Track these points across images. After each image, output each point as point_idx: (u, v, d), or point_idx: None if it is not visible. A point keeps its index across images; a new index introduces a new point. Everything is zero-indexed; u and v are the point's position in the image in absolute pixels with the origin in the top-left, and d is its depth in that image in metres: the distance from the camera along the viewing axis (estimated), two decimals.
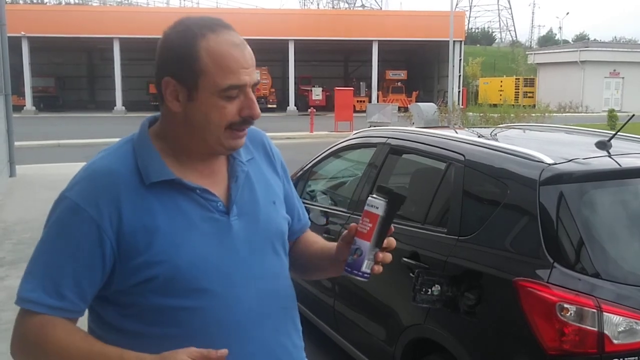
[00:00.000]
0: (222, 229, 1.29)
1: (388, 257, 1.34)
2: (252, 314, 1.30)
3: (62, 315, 1.23)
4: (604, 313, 2.15)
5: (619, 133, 2.98)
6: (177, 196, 1.27)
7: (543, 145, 3.06)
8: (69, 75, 41.93)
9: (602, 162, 2.67)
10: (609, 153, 2.76)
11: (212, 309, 1.26)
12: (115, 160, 1.27)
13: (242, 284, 1.29)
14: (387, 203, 1.28)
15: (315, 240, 1.58)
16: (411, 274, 2.73)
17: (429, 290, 2.60)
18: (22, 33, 31.22)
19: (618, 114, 22.73)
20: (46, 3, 65.97)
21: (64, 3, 66.77)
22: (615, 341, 2.16)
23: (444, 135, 3.32)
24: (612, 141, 2.84)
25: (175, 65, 1.25)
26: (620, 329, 2.17)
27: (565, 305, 2.19)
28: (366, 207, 1.30)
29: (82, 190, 1.24)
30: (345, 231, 1.37)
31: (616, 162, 2.70)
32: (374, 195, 1.30)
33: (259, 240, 1.35)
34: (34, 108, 34.09)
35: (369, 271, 1.30)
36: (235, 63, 1.23)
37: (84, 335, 1.25)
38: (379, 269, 1.31)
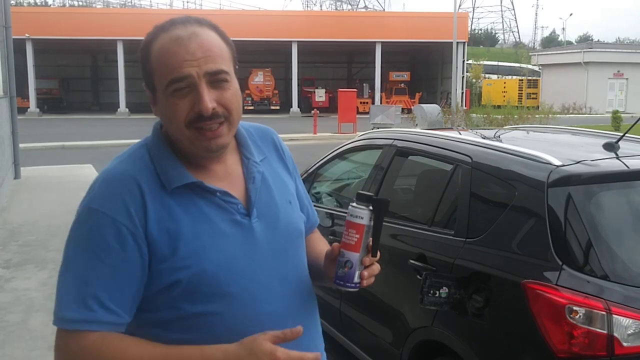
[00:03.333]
0: (244, 231, 1.27)
1: (376, 268, 1.31)
2: (276, 318, 1.28)
3: (112, 329, 1.19)
4: (614, 315, 2.14)
5: (626, 135, 2.98)
6: (198, 200, 1.25)
7: (550, 147, 3.05)
8: (73, 77, 42.02)
9: (610, 163, 2.66)
10: (616, 155, 2.75)
11: (237, 313, 1.24)
12: (132, 165, 1.25)
13: (267, 287, 1.27)
14: (373, 211, 1.25)
15: (317, 243, 1.54)
16: (418, 276, 2.73)
17: (437, 292, 2.59)
18: (27, 35, 31.30)
19: (622, 115, 22.67)
20: (50, 5, 66.15)
21: (68, 5, 66.96)
22: (624, 344, 2.15)
23: (450, 137, 3.31)
24: (620, 143, 2.83)
25: (142, 69, 1.27)
26: (629, 332, 2.15)
27: (575, 308, 2.18)
28: (349, 218, 1.26)
29: (106, 198, 1.20)
30: (329, 249, 1.34)
31: (624, 163, 2.69)
32: (355, 205, 1.26)
33: (280, 242, 1.32)
34: (37, 110, 34.14)
35: (359, 280, 1.29)
36: (174, 56, 1.20)
37: (148, 342, 1.20)
38: (369, 274, 1.29)
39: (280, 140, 1.49)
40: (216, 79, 1.22)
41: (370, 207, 1.25)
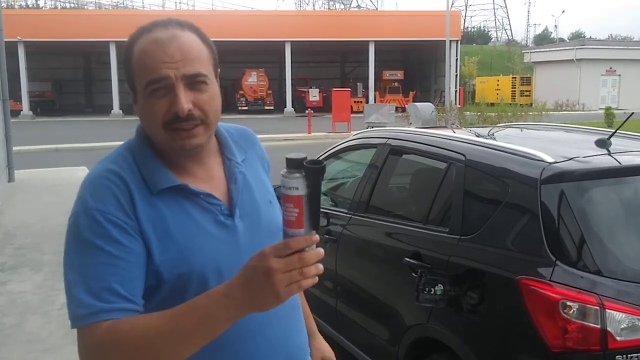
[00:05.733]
0: (228, 232, 1.30)
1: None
2: (264, 314, 1.26)
3: (131, 315, 1.17)
4: (607, 310, 2.17)
5: (618, 131, 3.01)
6: (184, 202, 1.27)
7: (543, 144, 3.07)
8: (66, 79, 41.87)
9: (602, 160, 2.68)
10: (608, 151, 2.78)
11: None
12: (118, 167, 1.26)
13: None
14: (305, 178, 1.07)
15: None
16: (414, 274, 2.75)
17: (432, 289, 2.61)
18: (19, 38, 31.20)
19: (615, 111, 22.77)
20: (42, 7, 65.89)
21: (60, 7, 66.71)
22: (618, 338, 2.17)
23: (444, 135, 3.33)
24: (612, 139, 2.86)
25: (124, 70, 1.29)
26: (622, 326, 2.18)
27: (568, 303, 2.20)
28: (283, 190, 1.09)
29: (98, 196, 1.21)
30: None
31: (616, 160, 2.71)
32: (285, 174, 1.08)
33: (262, 240, 1.30)
34: (31, 112, 34.04)
35: None
36: (153, 58, 1.22)
37: (153, 313, 1.17)
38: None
39: (258, 140, 1.52)
40: (194, 82, 1.24)
41: (304, 174, 1.07)
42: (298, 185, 1.07)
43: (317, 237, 1.10)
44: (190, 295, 1.20)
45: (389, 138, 3.64)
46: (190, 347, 1.14)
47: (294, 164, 1.07)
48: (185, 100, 1.22)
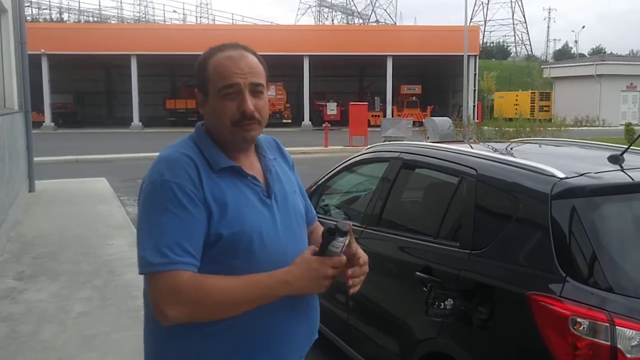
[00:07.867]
0: (268, 209, 1.66)
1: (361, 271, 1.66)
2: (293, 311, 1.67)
3: (193, 269, 1.51)
4: (617, 327, 2.15)
5: (632, 147, 2.99)
6: (237, 181, 1.63)
7: (555, 160, 3.07)
8: (87, 91, 42.43)
9: (614, 176, 2.67)
10: (621, 167, 2.76)
11: (263, 267, 1.57)
12: (187, 150, 1.60)
13: (282, 249, 1.64)
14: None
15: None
16: (424, 288, 2.74)
17: (442, 304, 2.61)
18: (42, 50, 31.78)
19: (635, 127, 22.50)
20: (66, 21, 67.14)
21: (83, 21, 67.95)
22: (628, 355, 2.14)
23: (455, 149, 3.33)
24: (625, 155, 2.84)
25: (197, 78, 1.66)
26: (633, 343, 2.15)
27: (578, 320, 2.19)
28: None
29: (173, 171, 1.54)
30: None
31: (628, 175, 2.70)
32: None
33: (288, 219, 1.72)
34: (52, 124, 34.58)
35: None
36: (227, 69, 1.60)
37: (224, 276, 1.53)
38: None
39: (282, 146, 1.90)
40: (255, 90, 1.62)
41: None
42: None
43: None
44: (240, 250, 1.56)
45: (401, 152, 3.66)
46: (248, 308, 1.54)
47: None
48: (250, 103, 1.60)
